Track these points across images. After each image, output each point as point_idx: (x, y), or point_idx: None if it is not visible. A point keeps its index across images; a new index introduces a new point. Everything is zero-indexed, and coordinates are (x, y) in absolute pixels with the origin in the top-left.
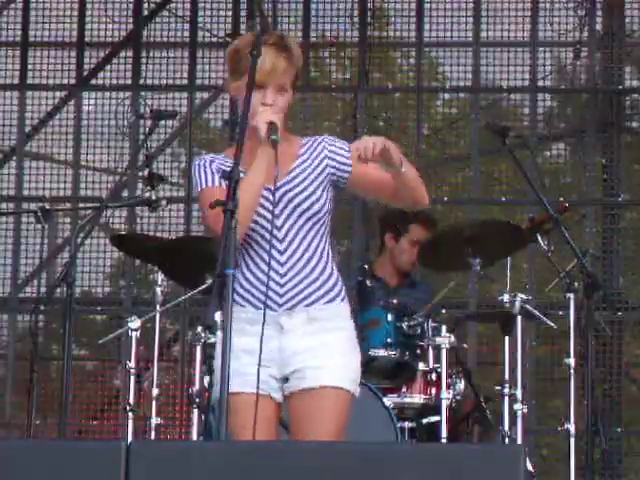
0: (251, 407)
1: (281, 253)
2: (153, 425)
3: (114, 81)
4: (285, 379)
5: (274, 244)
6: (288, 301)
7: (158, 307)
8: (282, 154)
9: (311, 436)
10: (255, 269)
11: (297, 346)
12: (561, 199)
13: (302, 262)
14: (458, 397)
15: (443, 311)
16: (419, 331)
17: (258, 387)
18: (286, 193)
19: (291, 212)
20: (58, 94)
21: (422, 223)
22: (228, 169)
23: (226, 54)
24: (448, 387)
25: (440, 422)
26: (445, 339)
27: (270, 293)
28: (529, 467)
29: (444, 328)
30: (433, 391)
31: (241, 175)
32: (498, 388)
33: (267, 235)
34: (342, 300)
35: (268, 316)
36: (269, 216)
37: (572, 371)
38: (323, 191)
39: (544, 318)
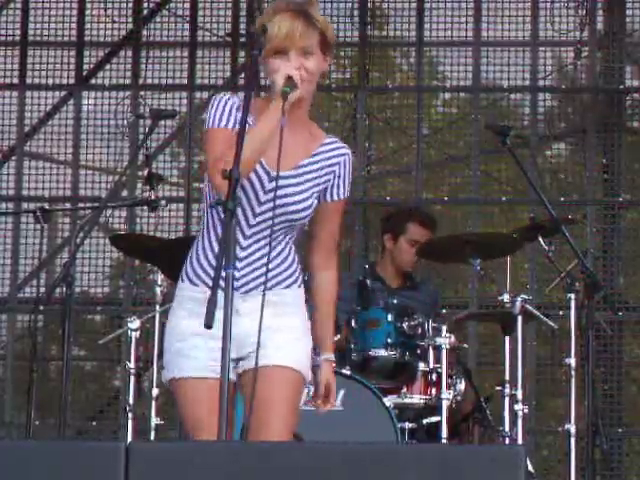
0: (204, 393)
1: (246, 238)
2: (153, 425)
3: (114, 81)
4: (240, 359)
5: (243, 229)
6: (244, 285)
7: (158, 307)
8: (299, 137)
9: (261, 414)
10: (216, 246)
11: (250, 329)
12: (561, 198)
13: (265, 249)
14: (458, 397)
15: (443, 311)
16: (419, 331)
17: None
18: (282, 188)
19: (273, 209)
20: (57, 94)
21: (420, 223)
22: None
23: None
24: (448, 387)
25: (440, 422)
26: (445, 339)
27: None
28: (529, 467)
29: (444, 328)
30: (433, 391)
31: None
32: (498, 388)
33: (242, 219)
34: (299, 286)
35: (221, 300)
36: (253, 200)
37: (572, 371)
38: (315, 200)
39: (545, 318)
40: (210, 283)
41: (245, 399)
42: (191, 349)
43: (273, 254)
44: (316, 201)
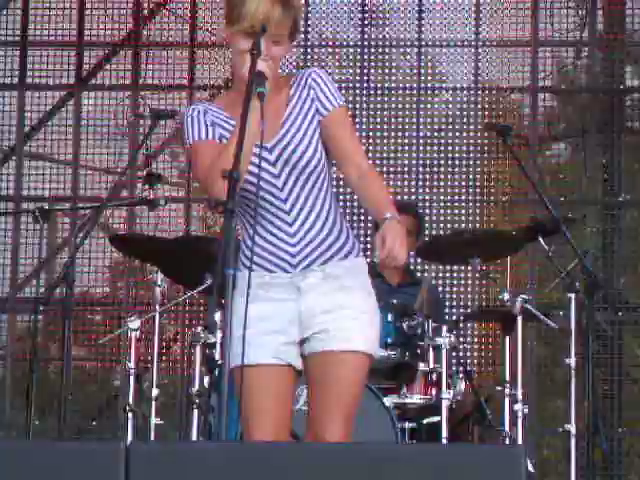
0: (270, 381)
1: (287, 213)
2: (153, 426)
3: (114, 81)
4: (304, 340)
5: (278, 205)
6: (302, 261)
7: (158, 307)
8: (272, 105)
9: (328, 399)
10: (264, 232)
11: (315, 307)
12: (561, 198)
13: (310, 220)
14: (458, 397)
15: (445, 310)
16: (419, 331)
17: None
18: (282, 152)
19: (290, 171)
20: (58, 94)
21: (398, 210)
22: (220, 122)
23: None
24: (448, 387)
25: (440, 422)
26: (445, 339)
27: (283, 255)
28: (529, 467)
29: (444, 328)
30: (433, 391)
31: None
32: (498, 388)
33: (269, 197)
34: (356, 255)
35: (282, 278)
36: (268, 177)
37: (573, 371)
38: (317, 141)
39: (545, 318)
40: (265, 265)
41: (309, 386)
42: (254, 336)
43: (318, 226)
44: (317, 134)
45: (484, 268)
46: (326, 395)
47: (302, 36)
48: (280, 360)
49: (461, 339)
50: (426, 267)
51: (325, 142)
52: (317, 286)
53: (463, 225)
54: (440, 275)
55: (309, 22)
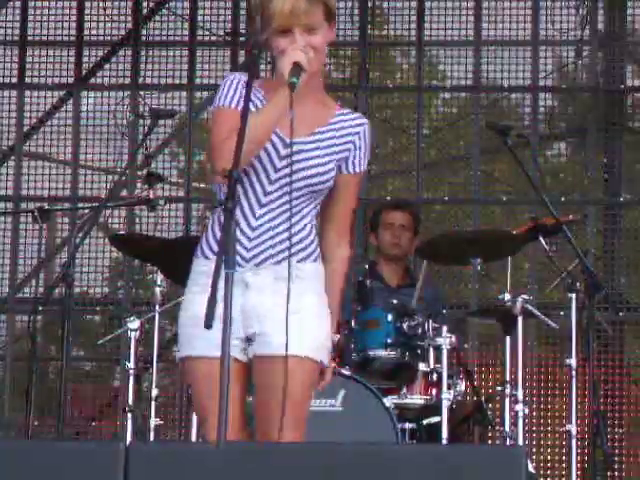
0: (214, 374)
1: (261, 205)
2: (152, 426)
3: (113, 80)
4: (248, 339)
5: (258, 196)
6: (255, 257)
7: (157, 307)
8: (312, 112)
9: (273, 404)
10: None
11: (261, 306)
12: (562, 198)
13: (278, 219)
14: (459, 398)
15: (444, 311)
16: (419, 331)
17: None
18: (299, 153)
19: (290, 173)
20: (57, 93)
21: (390, 207)
22: (254, 99)
23: (251, 6)
24: (449, 388)
25: (441, 423)
26: (446, 339)
27: (238, 247)
28: (530, 468)
29: (445, 328)
30: (434, 392)
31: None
32: (499, 388)
33: (257, 185)
34: (314, 260)
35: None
36: (269, 167)
37: (573, 372)
38: (334, 169)
39: (545, 318)
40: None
41: (254, 387)
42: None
43: (285, 226)
44: (335, 171)
45: (484, 268)
46: (269, 400)
47: None
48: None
49: (461, 339)
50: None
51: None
52: (265, 286)
53: (463, 225)
54: (440, 275)
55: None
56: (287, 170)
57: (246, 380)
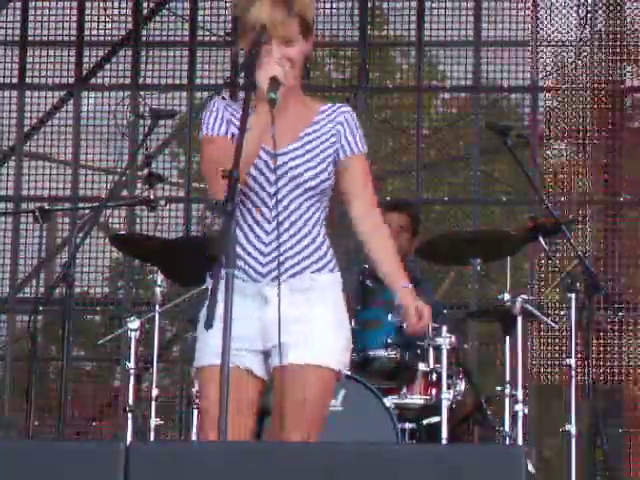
0: (232, 381)
1: (269, 222)
2: (152, 426)
3: (113, 80)
4: (266, 353)
5: (264, 212)
6: (272, 271)
7: (157, 307)
8: (294, 117)
9: (292, 414)
10: (242, 238)
11: (278, 319)
12: (561, 198)
13: (290, 232)
14: (459, 398)
15: (444, 311)
16: None
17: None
18: (288, 162)
19: (289, 181)
20: (57, 93)
21: (391, 208)
22: (235, 121)
23: (231, 9)
24: (449, 388)
25: (440, 423)
26: (445, 339)
27: (253, 263)
28: (530, 468)
29: (444, 328)
30: (433, 392)
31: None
32: (499, 388)
33: (258, 202)
34: (330, 271)
35: (251, 287)
36: (264, 182)
37: (573, 371)
38: (329, 165)
39: (545, 318)
40: (239, 274)
41: (273, 397)
42: (213, 337)
43: (297, 238)
44: (331, 166)
45: (484, 268)
46: (287, 409)
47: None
48: (242, 364)
49: (461, 339)
50: (426, 267)
51: (338, 178)
52: (283, 298)
53: (463, 225)
54: (440, 275)
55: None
56: (282, 181)
57: (260, 394)
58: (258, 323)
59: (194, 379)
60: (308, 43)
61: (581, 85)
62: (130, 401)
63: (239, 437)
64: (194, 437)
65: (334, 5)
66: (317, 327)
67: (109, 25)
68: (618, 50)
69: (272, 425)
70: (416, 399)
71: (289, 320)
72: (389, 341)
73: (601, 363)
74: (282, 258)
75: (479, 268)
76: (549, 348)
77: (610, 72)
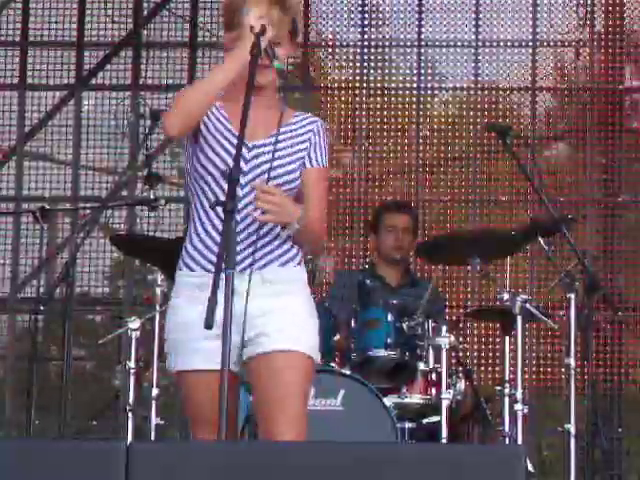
0: (209, 387)
1: (238, 212)
2: (153, 425)
3: (114, 81)
4: (242, 344)
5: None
6: (240, 262)
7: (158, 307)
8: (269, 115)
9: (271, 401)
10: (210, 228)
11: (251, 310)
12: (561, 198)
13: (256, 224)
14: (458, 397)
15: (446, 310)
16: (419, 331)
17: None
18: (260, 155)
19: (258, 175)
20: (58, 94)
21: (392, 209)
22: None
23: (220, 7)
24: (448, 387)
25: (440, 422)
26: (445, 339)
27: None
28: (529, 467)
29: (444, 328)
30: (433, 391)
31: None
32: (498, 388)
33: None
34: (297, 265)
35: (220, 280)
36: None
37: (572, 371)
38: (299, 167)
39: (545, 318)
40: (208, 266)
41: (252, 388)
42: (194, 341)
43: (264, 230)
44: (299, 169)
45: (484, 268)
46: (269, 397)
47: (302, 36)
48: (218, 365)
49: (461, 339)
50: (425, 267)
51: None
52: (253, 289)
53: (463, 225)
54: (440, 275)
55: (309, 22)
56: (253, 173)
57: (238, 390)
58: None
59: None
60: (293, 46)
61: (580, 85)
62: (130, 401)
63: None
64: None
65: (334, 5)
66: (289, 316)
67: (110, 26)
68: (618, 50)
69: (258, 413)
70: (416, 399)
71: (260, 312)
72: (389, 341)
73: (600, 363)
74: (250, 250)
75: (478, 268)
76: (548, 348)
77: (609, 72)
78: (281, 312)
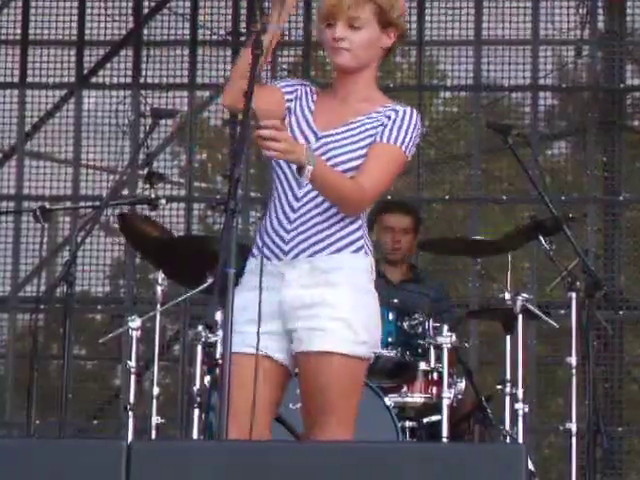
0: (248, 367)
1: (297, 199)
2: (154, 424)
3: (114, 79)
4: (288, 335)
5: (294, 189)
6: (292, 249)
7: (158, 306)
8: (349, 106)
9: (312, 403)
10: (273, 216)
11: (295, 300)
12: (562, 197)
13: (317, 210)
14: (459, 396)
15: (452, 307)
16: (420, 330)
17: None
18: (330, 143)
19: (326, 162)
20: (58, 92)
21: (390, 210)
22: (301, 100)
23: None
24: (449, 386)
25: (441, 421)
26: (446, 338)
27: (278, 241)
28: (530, 466)
29: (445, 327)
30: (434, 390)
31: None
32: (499, 387)
33: (291, 178)
34: (354, 252)
35: (273, 266)
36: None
37: (573, 370)
38: (365, 155)
39: (545, 317)
40: (265, 253)
41: (300, 386)
42: (238, 324)
43: (324, 216)
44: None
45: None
46: (310, 399)
47: (301, 35)
48: (260, 351)
49: (462, 338)
50: (428, 267)
51: None
52: (300, 278)
53: (463, 225)
54: (441, 274)
55: (310, 22)
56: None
57: (280, 380)
58: (275, 305)
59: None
60: (386, 36)
61: (581, 84)
62: (131, 400)
63: (259, 422)
64: (195, 436)
65: None
66: (333, 313)
67: (110, 24)
68: (617, 49)
69: (303, 411)
70: (417, 398)
71: (303, 304)
72: (390, 340)
73: (601, 362)
74: (304, 236)
75: (479, 267)
76: (549, 347)
77: (610, 71)
78: (322, 307)
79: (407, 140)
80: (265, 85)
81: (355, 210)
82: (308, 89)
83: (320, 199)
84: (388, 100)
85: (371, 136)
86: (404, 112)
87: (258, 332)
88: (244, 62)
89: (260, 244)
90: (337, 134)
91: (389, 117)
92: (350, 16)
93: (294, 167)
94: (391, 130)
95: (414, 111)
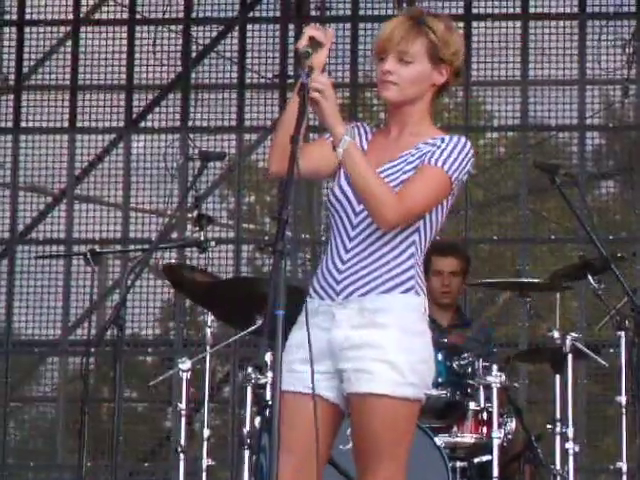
0: (298, 406)
1: (350, 239)
2: (204, 467)
3: (163, 123)
4: (339, 375)
5: (347, 229)
6: (343, 290)
7: (208, 348)
8: (400, 141)
9: (361, 445)
10: (329, 258)
11: (344, 340)
12: (610, 237)
13: (368, 251)
14: (509, 436)
15: (494, 350)
16: (470, 370)
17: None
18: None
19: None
20: (107, 137)
21: (438, 252)
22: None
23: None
24: (499, 426)
25: (492, 461)
26: (496, 378)
27: (331, 282)
28: None
29: (495, 367)
30: (484, 430)
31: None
32: (549, 427)
33: (344, 217)
34: (403, 292)
35: (326, 306)
36: (352, 199)
37: (623, 409)
38: None
39: (595, 356)
40: (320, 293)
41: (351, 427)
42: (290, 362)
43: (375, 256)
44: None
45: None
46: (361, 442)
47: (348, 76)
48: (309, 389)
49: (511, 377)
50: (477, 306)
51: None
52: (350, 318)
53: (512, 266)
54: (489, 314)
55: (356, 63)
56: None
57: (333, 420)
58: (324, 344)
59: None
60: (438, 72)
61: (628, 123)
62: (182, 442)
63: (308, 462)
64: (245, 478)
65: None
66: (379, 355)
67: (158, 68)
68: None
69: (355, 464)
70: (467, 438)
71: (352, 344)
72: (440, 380)
73: None
74: (356, 277)
75: (528, 307)
76: (599, 386)
77: None
78: (370, 348)
79: (453, 165)
80: (310, 143)
81: (386, 216)
82: (362, 130)
83: (372, 239)
84: (440, 132)
85: (415, 167)
86: (451, 138)
87: (312, 371)
88: (290, 114)
89: (317, 286)
90: (382, 172)
91: (435, 144)
92: (400, 50)
93: (346, 204)
94: (434, 153)
95: (463, 138)
